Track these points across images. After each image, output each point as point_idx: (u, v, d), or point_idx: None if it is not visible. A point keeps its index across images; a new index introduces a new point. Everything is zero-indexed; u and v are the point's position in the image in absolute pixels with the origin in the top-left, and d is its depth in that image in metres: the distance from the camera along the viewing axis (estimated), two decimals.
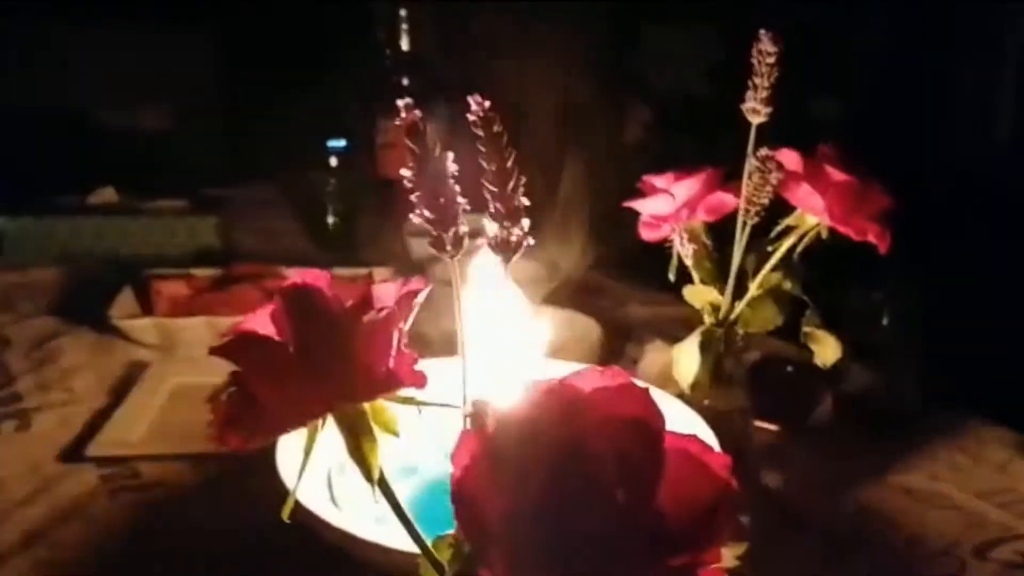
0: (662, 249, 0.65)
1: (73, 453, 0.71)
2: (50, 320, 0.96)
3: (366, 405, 0.28)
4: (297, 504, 0.47)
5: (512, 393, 0.26)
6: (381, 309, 0.27)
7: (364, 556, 0.46)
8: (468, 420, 0.25)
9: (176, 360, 0.86)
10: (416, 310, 0.29)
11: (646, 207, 0.62)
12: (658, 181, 0.62)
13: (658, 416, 0.24)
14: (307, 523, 0.47)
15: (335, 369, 0.26)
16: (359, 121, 1.34)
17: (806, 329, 0.60)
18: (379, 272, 0.98)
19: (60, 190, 1.22)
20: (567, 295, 0.90)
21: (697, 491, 0.24)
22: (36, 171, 1.24)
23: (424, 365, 0.29)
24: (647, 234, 0.63)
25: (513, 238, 0.32)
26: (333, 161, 1.33)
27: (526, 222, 0.32)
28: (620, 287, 1.07)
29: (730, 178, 0.61)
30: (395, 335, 0.27)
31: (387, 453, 0.62)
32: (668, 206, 0.61)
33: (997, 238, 1.02)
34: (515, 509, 0.23)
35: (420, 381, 0.27)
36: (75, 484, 0.67)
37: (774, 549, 0.62)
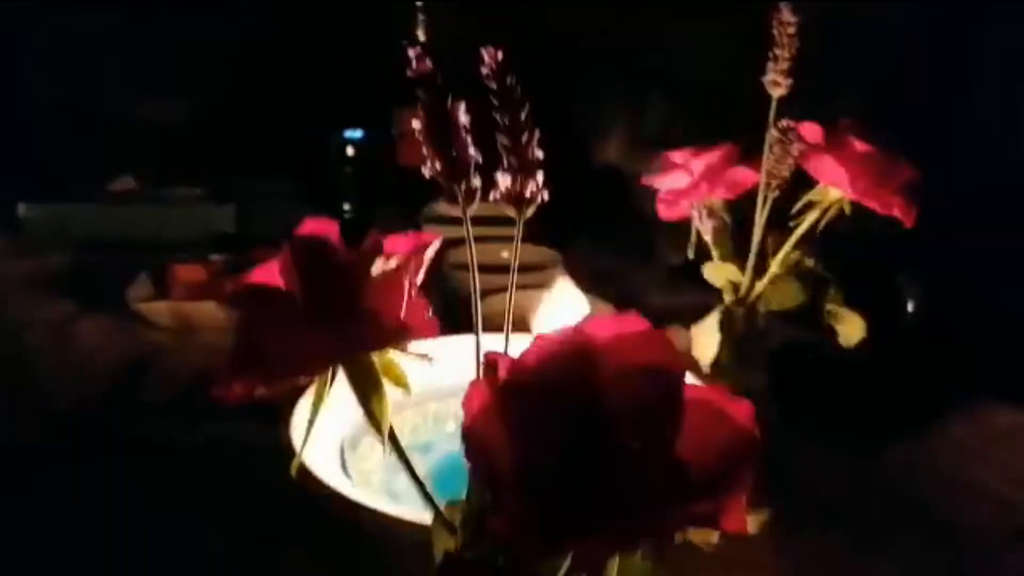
0: (680, 237, 0.64)
1: (91, 432, 0.71)
2: (69, 304, 0.96)
3: (375, 358, 0.28)
4: (311, 476, 0.47)
5: (524, 345, 0.25)
6: (391, 257, 0.26)
7: (376, 528, 0.46)
8: (480, 370, 0.25)
9: (192, 343, 0.86)
10: (428, 262, 0.29)
11: (664, 183, 0.61)
12: (676, 156, 0.61)
13: (677, 362, 0.23)
14: (320, 495, 0.46)
15: (343, 319, 0.26)
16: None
17: (829, 307, 0.59)
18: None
19: (79, 179, 1.22)
20: (583, 281, 0.89)
21: (719, 440, 0.23)
22: (56, 161, 1.24)
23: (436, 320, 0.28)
24: (665, 211, 0.62)
25: (527, 192, 0.31)
26: (350, 151, 1.32)
27: (540, 175, 0.31)
28: (637, 274, 1.06)
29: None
30: (406, 285, 0.26)
31: (401, 431, 0.61)
32: (686, 182, 0.60)
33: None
34: (529, 459, 0.22)
35: (432, 330, 0.26)
36: (93, 461, 0.67)
37: (800, 538, 0.61)
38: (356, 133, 1.37)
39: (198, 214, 1.17)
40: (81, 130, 1.35)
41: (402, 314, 0.26)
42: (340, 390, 0.33)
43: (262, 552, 0.57)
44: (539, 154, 0.31)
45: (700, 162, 0.59)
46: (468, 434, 0.23)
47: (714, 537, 0.30)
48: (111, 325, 0.91)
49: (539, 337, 0.24)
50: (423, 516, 0.43)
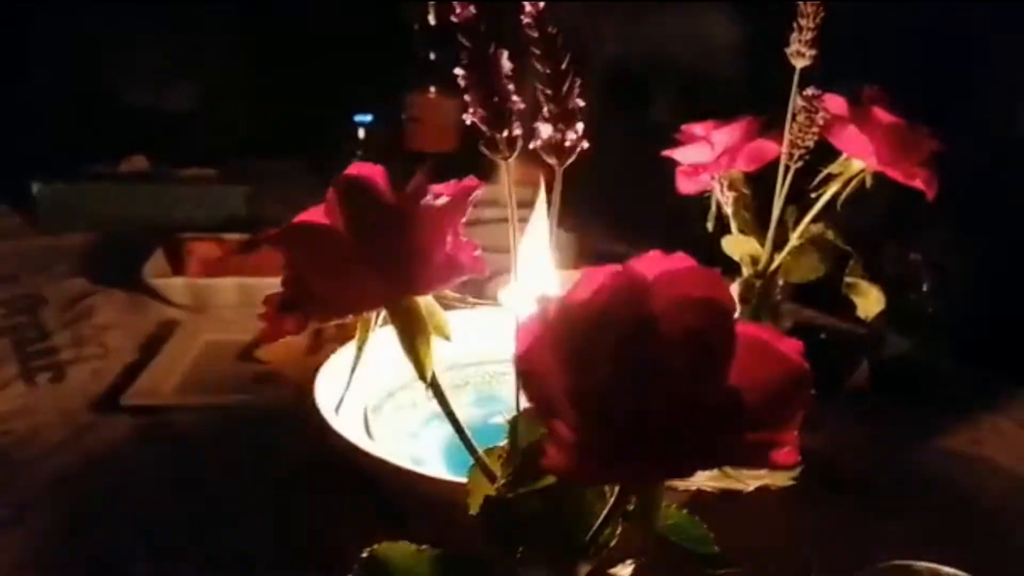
0: (689, 222, 0.64)
1: (107, 403, 0.71)
2: (83, 281, 0.96)
3: (420, 303, 0.28)
4: (336, 437, 0.47)
5: (572, 283, 0.25)
6: (438, 196, 0.26)
7: (400, 489, 0.46)
8: (533, 305, 0.25)
9: (206, 318, 0.86)
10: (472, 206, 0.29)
11: (684, 155, 0.61)
12: (697, 129, 0.61)
13: (728, 296, 0.23)
14: (345, 456, 0.46)
15: (391, 258, 0.26)
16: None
17: (848, 280, 0.59)
18: None
19: (91, 158, 1.22)
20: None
21: (770, 374, 0.23)
22: (67, 143, 1.24)
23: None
24: (684, 185, 0.62)
25: (568, 142, 0.31)
26: (360, 134, 1.32)
27: (580, 125, 0.31)
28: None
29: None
30: (453, 225, 0.26)
31: (422, 401, 0.61)
32: (707, 154, 0.60)
33: None
34: (581, 386, 0.23)
35: (480, 267, 0.26)
36: (108, 432, 0.67)
37: (813, 507, 0.61)
38: (366, 117, 1.37)
39: (210, 194, 1.17)
40: (92, 114, 1.34)
41: (449, 252, 0.26)
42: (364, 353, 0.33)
43: (285, 515, 0.57)
44: (579, 103, 0.31)
45: (722, 134, 0.59)
46: (521, 363, 0.23)
47: (752, 483, 0.31)
48: (126, 301, 0.91)
49: (587, 272, 0.25)
50: (448, 475, 0.44)
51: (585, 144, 0.31)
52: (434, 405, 0.59)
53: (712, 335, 0.23)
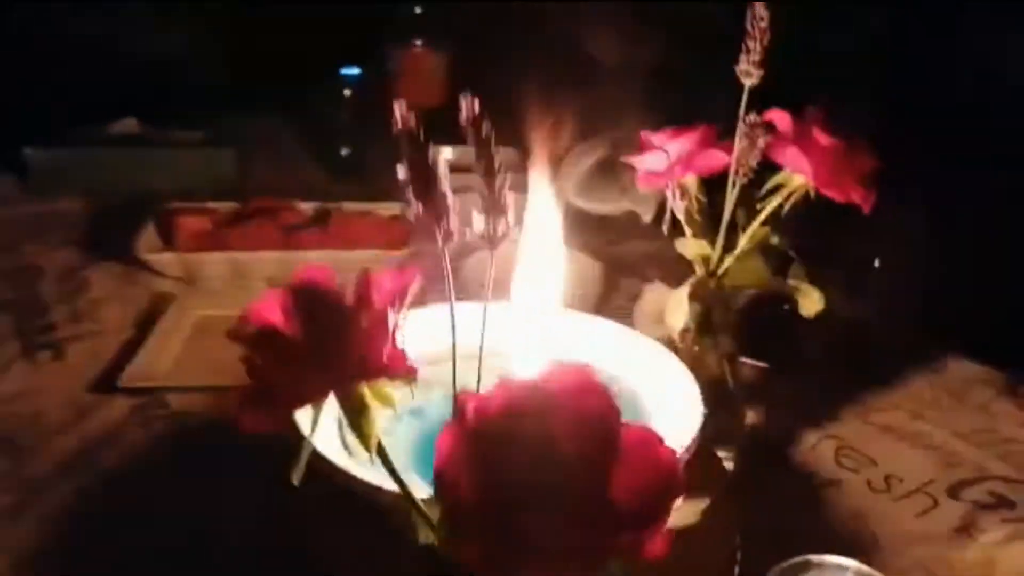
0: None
1: (105, 384, 0.74)
2: (77, 251, 0.99)
3: (364, 385, 0.32)
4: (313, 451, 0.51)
5: (494, 388, 0.30)
6: (376, 304, 0.30)
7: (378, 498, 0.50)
8: (454, 411, 0.29)
9: (198, 293, 0.90)
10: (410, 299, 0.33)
11: (642, 163, 0.64)
12: (654, 138, 0.63)
13: (614, 412, 0.28)
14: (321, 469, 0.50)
15: (337, 357, 0.30)
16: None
17: (791, 282, 0.63)
18: (387, 207, 1.01)
19: (81, 121, 1.23)
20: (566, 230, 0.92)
21: (647, 478, 0.28)
22: (57, 102, 1.25)
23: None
24: (644, 187, 0.66)
25: (499, 233, 0.35)
26: (346, 91, 1.33)
27: (510, 216, 0.35)
28: (620, 221, 1.09)
29: (726, 135, 0.63)
30: (391, 327, 0.31)
31: (393, 394, 0.64)
32: (662, 163, 0.63)
33: (1003, 173, 1.02)
34: (489, 497, 0.27)
35: (410, 373, 0.31)
36: (108, 413, 0.70)
37: (754, 485, 0.65)
38: (352, 71, 1.37)
39: (199, 157, 1.20)
40: (75, 68, 1.34)
41: (385, 357, 0.31)
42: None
43: (266, 523, 0.58)
44: (509, 198, 0.35)
45: (676, 144, 0.62)
46: (439, 474, 0.27)
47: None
48: (120, 273, 0.94)
49: (502, 383, 0.29)
50: (414, 477, 0.48)
51: (513, 234, 0.35)
52: (405, 403, 0.63)
53: (599, 452, 0.27)
